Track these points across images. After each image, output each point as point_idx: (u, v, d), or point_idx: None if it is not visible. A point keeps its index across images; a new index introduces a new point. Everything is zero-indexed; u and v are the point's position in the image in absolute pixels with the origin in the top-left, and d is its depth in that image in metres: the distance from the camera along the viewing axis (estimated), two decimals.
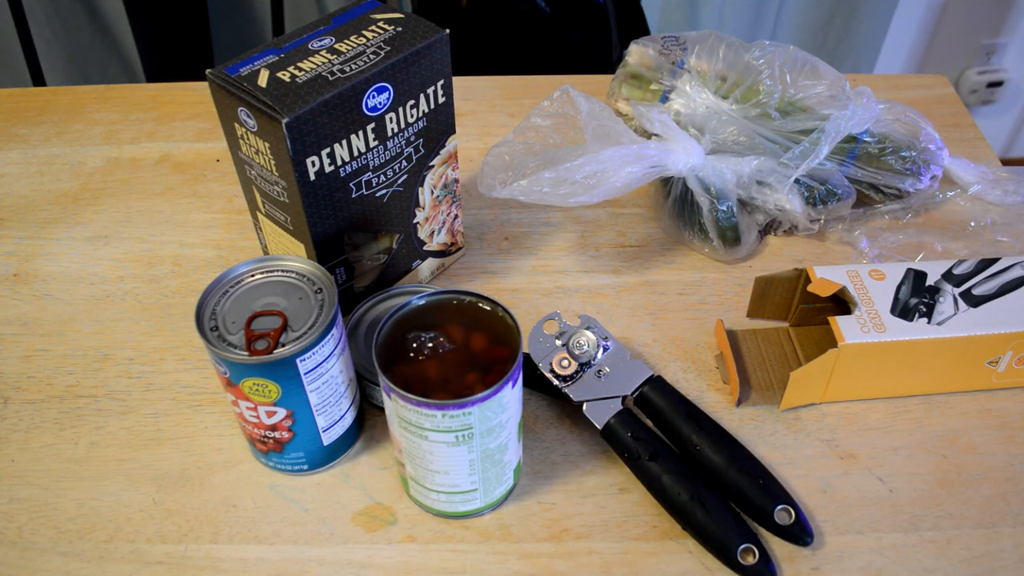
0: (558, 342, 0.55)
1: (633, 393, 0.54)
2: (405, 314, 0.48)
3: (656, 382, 0.54)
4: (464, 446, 0.46)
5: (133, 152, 0.82)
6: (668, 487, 0.50)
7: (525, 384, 0.53)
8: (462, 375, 0.46)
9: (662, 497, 0.51)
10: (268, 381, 0.47)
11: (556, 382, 0.54)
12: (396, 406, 0.45)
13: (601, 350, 0.55)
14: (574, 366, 0.54)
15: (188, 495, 0.54)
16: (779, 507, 0.50)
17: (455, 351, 0.47)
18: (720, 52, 0.71)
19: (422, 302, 0.49)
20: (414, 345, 0.47)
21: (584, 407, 0.53)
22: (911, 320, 0.55)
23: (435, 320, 0.48)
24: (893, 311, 0.55)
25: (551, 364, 0.54)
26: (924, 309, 0.55)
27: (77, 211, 0.75)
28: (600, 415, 0.53)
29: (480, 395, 0.44)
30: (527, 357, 0.56)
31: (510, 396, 0.46)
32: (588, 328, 0.56)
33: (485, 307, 0.49)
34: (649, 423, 0.55)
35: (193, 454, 0.56)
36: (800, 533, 0.49)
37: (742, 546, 0.48)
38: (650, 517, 0.52)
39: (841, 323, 0.54)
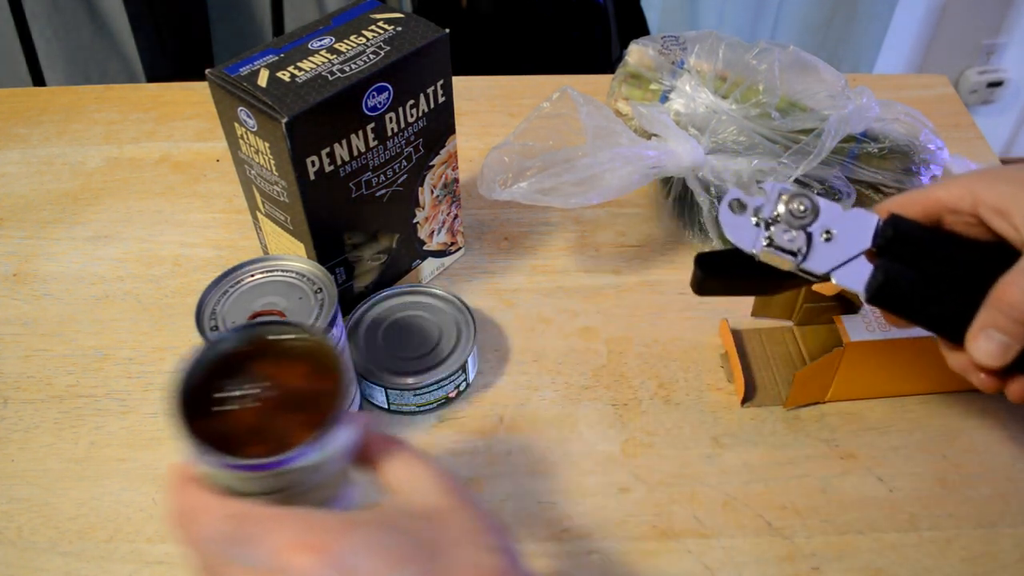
0: (752, 219, 0.46)
1: (875, 244, 0.45)
2: (208, 360, 0.38)
3: (894, 223, 0.45)
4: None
5: (133, 152, 0.82)
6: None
7: (740, 277, 0.46)
8: (284, 420, 0.37)
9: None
10: None
11: (790, 258, 0.45)
12: (208, 468, 0.35)
13: (813, 212, 0.46)
14: (800, 236, 0.45)
15: None
16: None
17: (275, 394, 0.38)
18: (720, 52, 0.71)
19: (228, 343, 0.39)
20: (222, 396, 0.37)
21: (833, 277, 0.45)
22: None
23: (245, 363, 0.39)
24: None
25: (775, 243, 0.45)
26: None
27: (77, 211, 0.75)
28: (856, 280, 0.45)
29: (300, 448, 0.34)
30: (734, 251, 0.47)
31: (341, 433, 0.36)
32: (787, 195, 0.46)
33: (297, 336, 0.39)
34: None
35: None
36: None
37: None
38: (650, 517, 0.52)
39: (846, 322, 0.54)
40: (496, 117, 0.85)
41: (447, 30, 0.55)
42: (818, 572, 0.49)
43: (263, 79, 0.51)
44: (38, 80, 1.35)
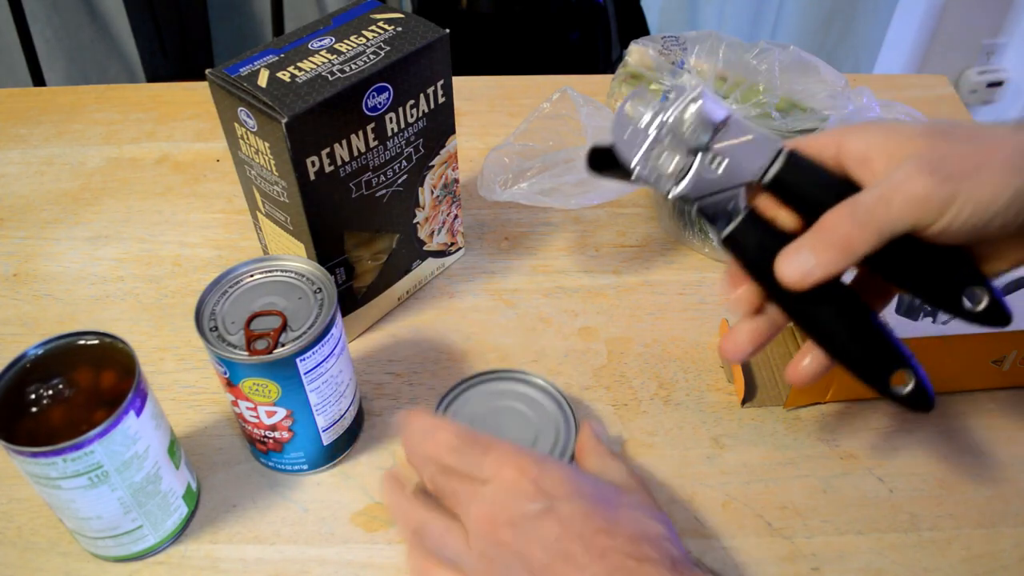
0: (642, 125, 0.42)
1: (761, 177, 0.42)
2: (22, 367, 0.46)
3: (792, 160, 0.42)
4: (103, 486, 0.44)
5: (133, 152, 0.82)
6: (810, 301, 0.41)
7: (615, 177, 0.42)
8: (90, 415, 0.43)
9: (803, 315, 0.42)
10: (268, 381, 0.47)
11: (654, 188, 0.42)
12: (21, 463, 0.43)
13: (711, 130, 0.41)
14: (680, 160, 0.41)
15: None
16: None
17: (78, 393, 0.45)
18: (720, 52, 0.71)
19: (40, 351, 0.46)
20: (32, 397, 0.44)
21: (697, 207, 0.42)
22: (916, 319, 0.55)
23: (55, 367, 0.46)
24: (898, 310, 0.55)
25: (650, 167, 0.41)
26: (929, 308, 0.55)
27: (77, 211, 0.75)
28: (721, 218, 0.42)
29: (95, 432, 0.42)
30: (614, 154, 0.43)
31: (138, 426, 0.44)
32: (686, 100, 0.41)
33: (98, 342, 0.47)
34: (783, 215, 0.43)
35: (193, 454, 0.56)
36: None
37: (895, 371, 0.41)
38: None
39: None
40: (496, 117, 0.85)
41: (447, 30, 0.55)
42: (818, 572, 0.49)
43: (263, 79, 0.51)
44: (38, 80, 1.35)
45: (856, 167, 0.41)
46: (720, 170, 0.42)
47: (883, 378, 0.41)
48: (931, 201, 0.37)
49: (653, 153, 0.42)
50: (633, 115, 0.42)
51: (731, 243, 0.42)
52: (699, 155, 0.42)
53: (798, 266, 0.40)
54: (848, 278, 0.44)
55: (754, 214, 0.42)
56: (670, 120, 0.42)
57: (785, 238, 0.41)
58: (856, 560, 0.50)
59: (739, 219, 0.41)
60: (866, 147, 0.40)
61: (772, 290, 0.42)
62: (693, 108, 0.41)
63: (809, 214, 0.41)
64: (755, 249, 0.42)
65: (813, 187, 0.41)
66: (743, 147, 0.42)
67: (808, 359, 0.44)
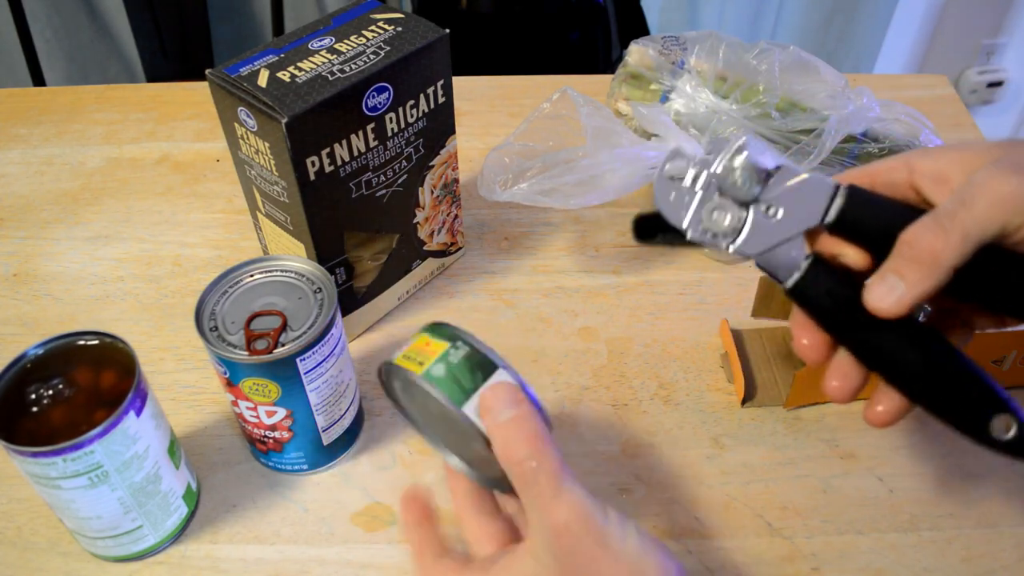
0: (688, 185, 0.40)
1: (823, 220, 0.39)
2: (22, 367, 0.46)
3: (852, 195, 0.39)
4: (103, 486, 0.44)
5: (133, 152, 0.82)
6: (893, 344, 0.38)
7: (681, 243, 0.41)
8: (90, 415, 0.43)
9: (881, 360, 0.39)
10: (268, 381, 0.47)
11: (716, 244, 0.40)
12: (21, 463, 0.43)
13: (760, 181, 0.39)
14: (734, 215, 0.39)
15: None
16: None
17: (78, 393, 0.45)
18: (720, 52, 0.71)
19: (40, 351, 0.46)
20: (32, 397, 0.44)
21: (758, 262, 0.40)
22: (918, 318, 0.54)
23: (55, 367, 0.46)
24: None
25: (703, 225, 0.40)
26: (929, 307, 0.55)
27: (77, 211, 0.75)
28: (784, 269, 0.39)
29: (95, 432, 0.42)
30: (660, 219, 0.41)
31: (138, 426, 0.45)
32: (731, 151, 0.39)
33: (98, 342, 0.47)
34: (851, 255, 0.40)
35: (193, 454, 0.56)
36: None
37: (996, 415, 0.37)
38: (651, 517, 0.52)
39: None
40: (496, 117, 0.85)
41: (447, 30, 0.56)
42: (818, 572, 0.49)
43: (263, 79, 0.51)
44: (38, 80, 1.35)
45: (931, 186, 0.38)
46: (778, 218, 0.39)
47: (980, 425, 0.37)
48: (1018, 199, 0.35)
49: (704, 211, 0.40)
50: (675, 175, 0.40)
51: (798, 294, 0.40)
52: (753, 206, 0.40)
53: (887, 292, 0.37)
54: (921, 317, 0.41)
55: (819, 260, 0.39)
56: (717, 174, 0.40)
57: (852, 281, 0.39)
58: (856, 560, 0.50)
59: (804, 268, 0.39)
60: (941, 165, 0.38)
61: (844, 336, 0.40)
62: (740, 159, 0.39)
63: (879, 247, 0.39)
64: (824, 296, 0.39)
65: (880, 218, 0.39)
66: (798, 191, 0.39)
67: (882, 405, 0.40)
